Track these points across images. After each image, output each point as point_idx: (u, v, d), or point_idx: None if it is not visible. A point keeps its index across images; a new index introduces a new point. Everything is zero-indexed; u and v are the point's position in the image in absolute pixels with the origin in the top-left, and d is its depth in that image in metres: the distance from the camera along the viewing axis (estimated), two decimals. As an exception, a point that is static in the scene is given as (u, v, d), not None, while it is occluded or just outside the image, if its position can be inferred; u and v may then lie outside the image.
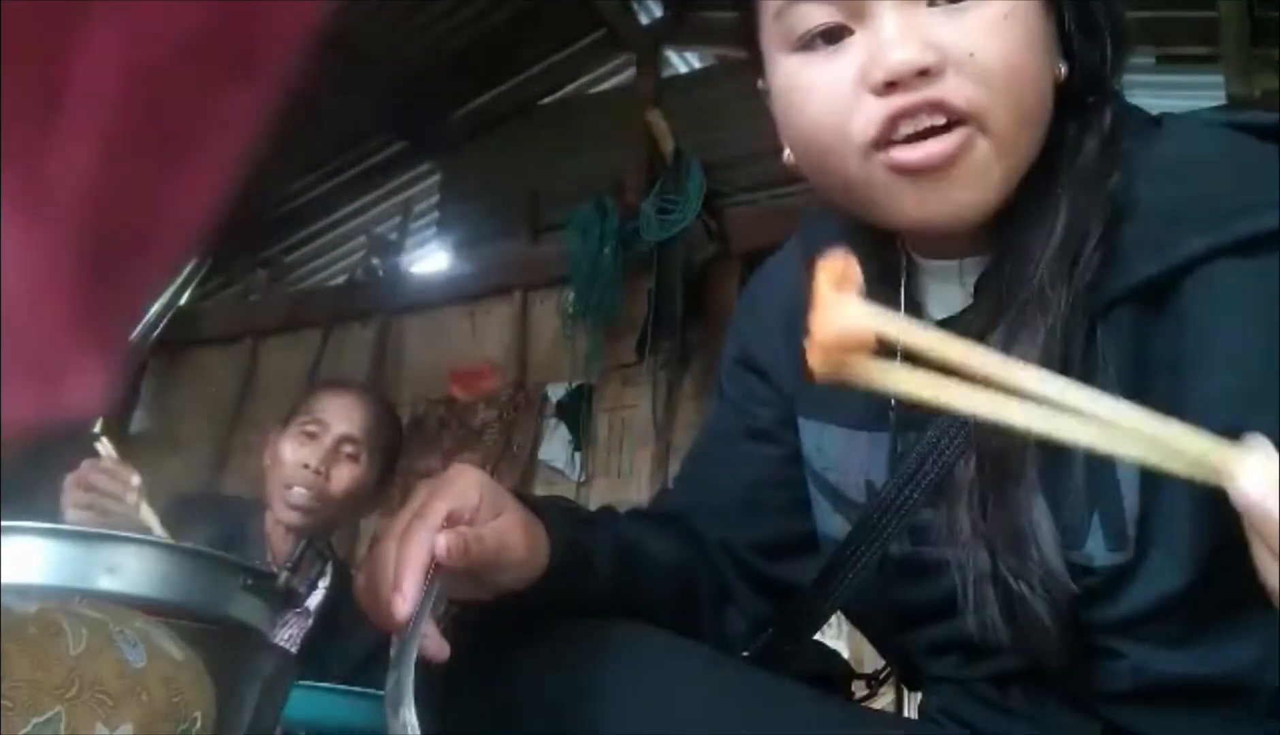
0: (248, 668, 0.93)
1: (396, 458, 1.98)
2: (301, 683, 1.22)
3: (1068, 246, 0.67)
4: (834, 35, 0.67)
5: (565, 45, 4.28)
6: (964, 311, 0.73)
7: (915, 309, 0.76)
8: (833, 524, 0.83)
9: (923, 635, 0.80)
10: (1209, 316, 0.64)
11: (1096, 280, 0.66)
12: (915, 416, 0.74)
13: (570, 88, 4.39)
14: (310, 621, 1.78)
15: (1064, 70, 0.70)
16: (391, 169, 4.69)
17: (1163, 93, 3.51)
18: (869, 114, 0.65)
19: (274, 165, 3.75)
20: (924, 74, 0.63)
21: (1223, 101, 3.06)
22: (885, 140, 0.65)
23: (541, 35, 4.20)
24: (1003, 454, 0.67)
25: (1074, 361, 0.65)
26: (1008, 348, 0.64)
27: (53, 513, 1.34)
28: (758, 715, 0.73)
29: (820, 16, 0.66)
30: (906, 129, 0.64)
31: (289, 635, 1.73)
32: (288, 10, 0.20)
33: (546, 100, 4.39)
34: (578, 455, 3.47)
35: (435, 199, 4.67)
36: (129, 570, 0.88)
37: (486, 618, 0.79)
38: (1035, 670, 0.71)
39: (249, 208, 4.43)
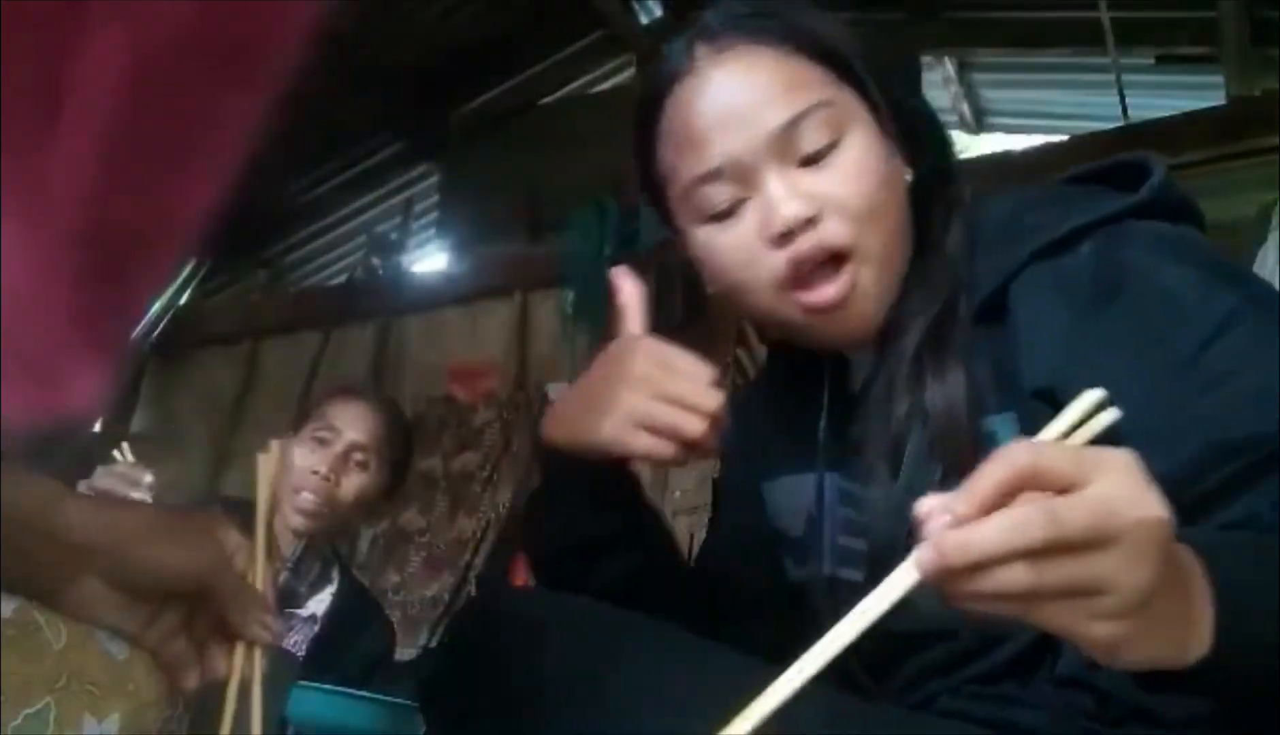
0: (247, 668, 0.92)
1: (407, 467, 1.98)
2: (309, 684, 1.22)
3: (939, 298, 0.82)
4: (732, 208, 0.82)
5: (565, 45, 4.28)
6: (872, 372, 0.85)
7: (845, 396, 0.89)
8: (786, 566, 0.94)
9: (910, 665, 0.82)
10: (1026, 309, 0.78)
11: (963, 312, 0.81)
12: (845, 456, 0.86)
13: (570, 88, 4.39)
14: (317, 628, 1.77)
15: (909, 174, 0.86)
16: (391, 169, 4.69)
17: (1163, 93, 3.51)
18: (773, 263, 0.80)
19: (274, 165, 3.75)
20: (809, 221, 0.79)
21: (1222, 101, 3.06)
22: (791, 281, 0.80)
23: (541, 35, 4.20)
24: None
25: (971, 376, 0.78)
26: (925, 376, 0.79)
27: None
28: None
29: (720, 196, 0.82)
30: (805, 269, 0.80)
31: (294, 642, 1.73)
32: (287, 10, 0.20)
33: (546, 100, 4.39)
34: (577, 455, 3.46)
35: (435, 199, 4.67)
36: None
37: (483, 616, 0.82)
38: (1020, 659, 0.75)
39: (249, 208, 4.43)
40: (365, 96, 4.19)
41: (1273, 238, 2.53)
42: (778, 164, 0.80)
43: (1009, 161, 3.18)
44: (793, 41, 0.83)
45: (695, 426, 0.78)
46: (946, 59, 4.03)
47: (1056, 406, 0.68)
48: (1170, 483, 0.66)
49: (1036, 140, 3.81)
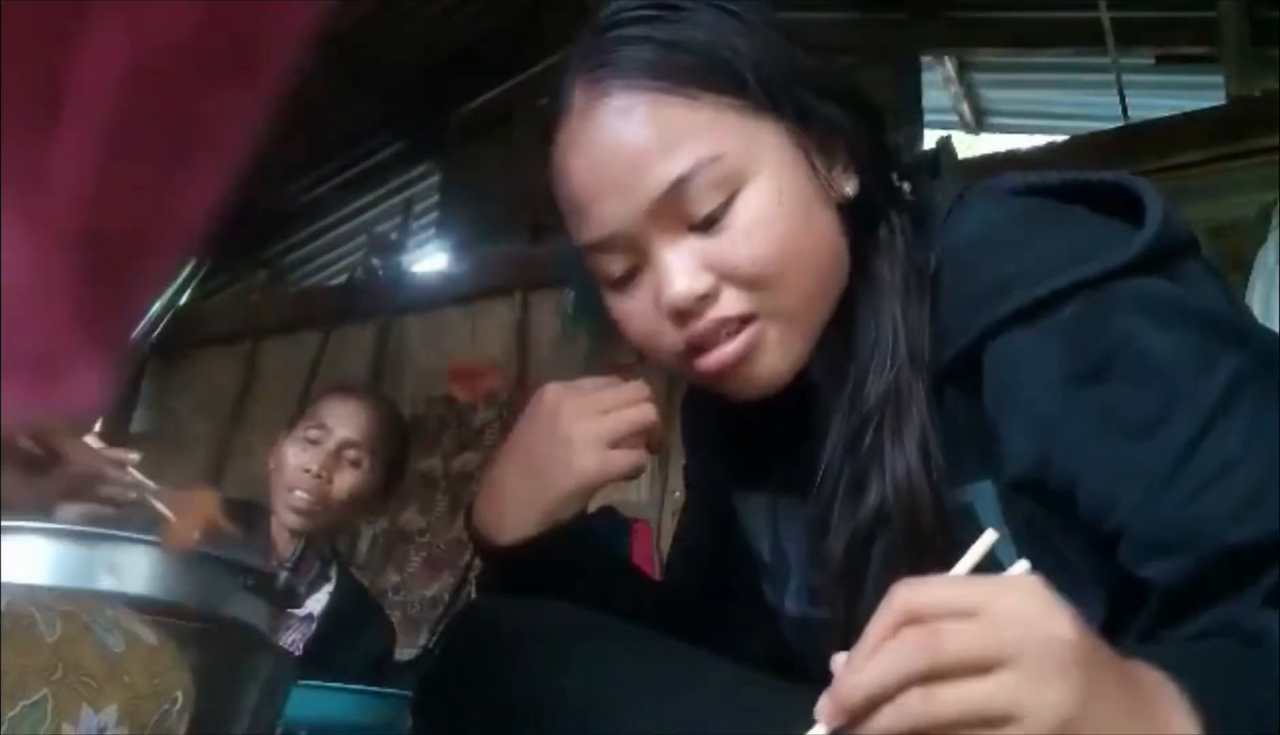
0: (247, 668, 0.93)
1: (402, 463, 1.98)
2: (305, 682, 1.22)
3: (898, 342, 0.73)
4: (630, 274, 0.75)
5: (565, 45, 4.28)
6: (842, 408, 0.76)
7: (805, 426, 0.79)
8: (765, 589, 0.88)
9: None
10: (1004, 383, 0.69)
11: (930, 359, 0.73)
12: (805, 481, 0.78)
13: (570, 88, 4.39)
14: (314, 626, 1.78)
15: (852, 186, 0.75)
16: (391, 169, 4.69)
17: (1163, 93, 3.51)
18: (673, 339, 0.74)
19: (274, 165, 3.75)
20: (704, 296, 0.71)
21: (1222, 102, 3.06)
22: (690, 353, 0.73)
23: (541, 35, 4.20)
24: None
25: (936, 449, 0.71)
26: (889, 432, 0.71)
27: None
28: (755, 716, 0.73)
29: (615, 266, 0.75)
30: (707, 345, 0.73)
31: (291, 641, 1.73)
32: (287, 10, 0.20)
33: (547, 100, 4.38)
34: (577, 455, 3.46)
35: (435, 199, 4.67)
36: (129, 570, 0.88)
37: (477, 626, 0.82)
38: None
39: (249, 208, 4.43)
40: (365, 96, 4.19)
41: (1273, 237, 2.53)
42: (666, 233, 0.72)
43: (1010, 162, 3.18)
44: (679, 73, 0.72)
45: (650, 412, 0.80)
46: (946, 59, 4.03)
47: (1043, 495, 0.66)
48: (1166, 590, 0.62)
49: (1037, 140, 3.81)
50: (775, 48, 0.74)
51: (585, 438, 0.79)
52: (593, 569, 0.89)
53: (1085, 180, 0.75)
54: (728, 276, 0.71)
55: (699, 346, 0.73)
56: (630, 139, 0.72)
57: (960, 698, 0.47)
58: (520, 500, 0.83)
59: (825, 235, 0.74)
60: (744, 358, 0.73)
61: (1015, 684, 0.47)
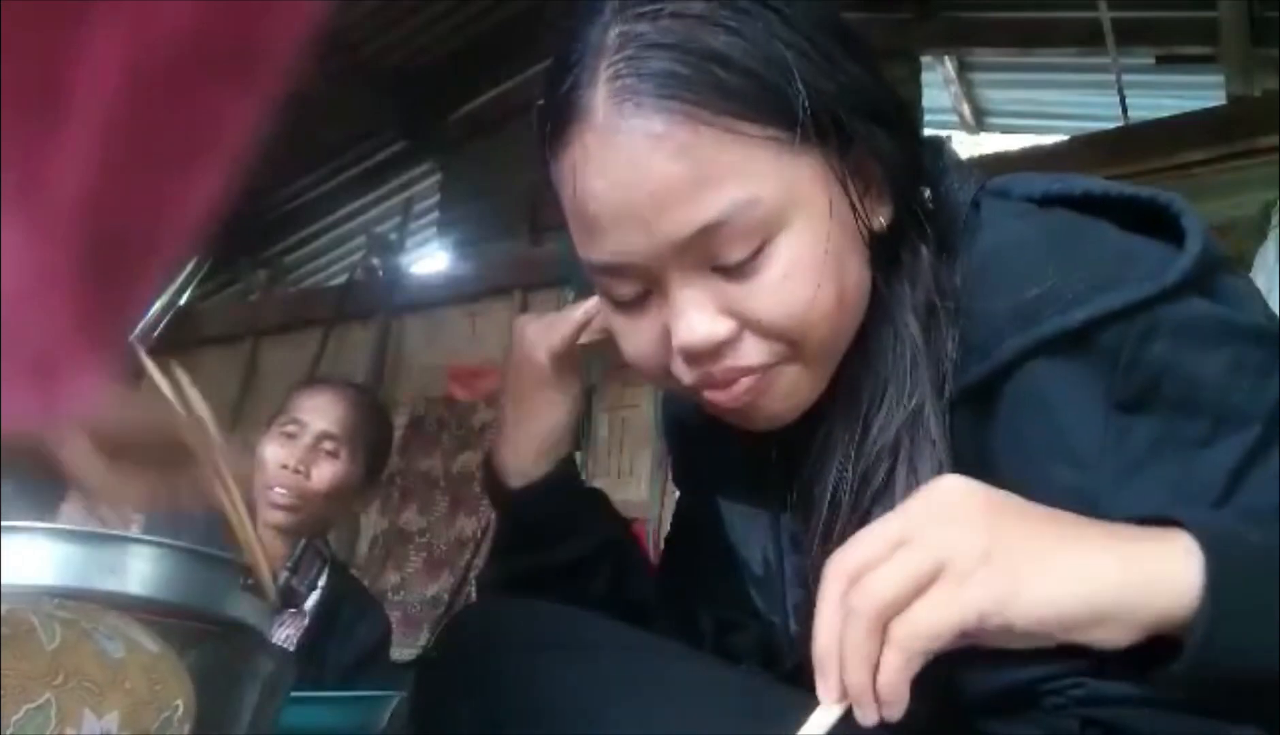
0: (247, 668, 0.93)
1: (384, 451, 1.97)
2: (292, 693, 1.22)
3: (919, 369, 0.69)
4: (639, 297, 0.69)
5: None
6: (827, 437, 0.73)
7: (807, 440, 0.74)
8: (755, 598, 0.88)
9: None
10: (1035, 413, 0.66)
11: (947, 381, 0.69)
12: (804, 498, 0.74)
13: (570, 88, 4.39)
14: (307, 622, 1.78)
15: (886, 215, 0.70)
16: (391, 169, 4.70)
17: (1163, 92, 3.52)
18: (682, 372, 0.69)
19: (274, 165, 3.75)
20: (722, 343, 0.66)
21: (1223, 101, 3.06)
22: (699, 388, 0.69)
23: (541, 35, 4.20)
24: None
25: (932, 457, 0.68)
26: (903, 463, 0.68)
27: (51, 511, 1.33)
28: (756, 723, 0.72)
29: (624, 289, 0.69)
30: (716, 385, 0.68)
31: (285, 636, 1.73)
32: (287, 10, 0.20)
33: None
34: (578, 455, 3.47)
35: (435, 199, 4.68)
36: (129, 570, 0.88)
37: (474, 622, 0.82)
38: (1012, 690, 0.68)
39: (249, 208, 4.43)
40: (365, 96, 4.19)
41: (1273, 236, 2.54)
42: (688, 271, 0.66)
43: (1009, 161, 3.18)
44: (721, 97, 0.63)
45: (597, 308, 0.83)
46: (946, 59, 4.04)
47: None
48: None
49: (1038, 140, 3.81)
50: (826, 62, 0.66)
51: (537, 339, 0.86)
52: (592, 530, 0.90)
53: (1116, 195, 0.71)
54: (750, 325, 0.66)
55: (708, 384, 0.68)
56: (659, 172, 0.63)
57: (878, 582, 0.54)
58: (513, 433, 0.89)
59: (856, 277, 0.68)
60: (754, 402, 0.68)
61: (918, 541, 0.54)
